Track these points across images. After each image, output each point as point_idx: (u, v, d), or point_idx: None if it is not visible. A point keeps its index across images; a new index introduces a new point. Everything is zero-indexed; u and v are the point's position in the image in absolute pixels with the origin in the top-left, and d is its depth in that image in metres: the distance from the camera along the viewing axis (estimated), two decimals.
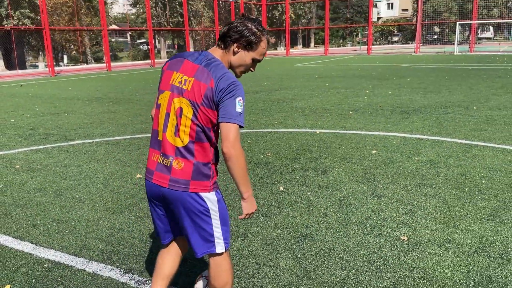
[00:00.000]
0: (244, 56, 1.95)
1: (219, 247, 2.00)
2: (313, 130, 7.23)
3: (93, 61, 41.91)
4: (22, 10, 27.69)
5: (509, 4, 50.01)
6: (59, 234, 3.57)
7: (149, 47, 64.13)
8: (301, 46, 66.75)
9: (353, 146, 6.12)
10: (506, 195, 4.13)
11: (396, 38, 70.16)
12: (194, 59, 1.93)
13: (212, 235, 1.97)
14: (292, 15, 53.11)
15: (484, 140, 6.19)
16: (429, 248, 3.15)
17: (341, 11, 70.34)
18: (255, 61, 1.99)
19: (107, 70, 26.39)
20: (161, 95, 1.96)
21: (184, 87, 1.88)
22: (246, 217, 1.99)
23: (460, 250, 3.10)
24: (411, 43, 58.76)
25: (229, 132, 1.80)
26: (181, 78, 1.90)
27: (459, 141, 6.20)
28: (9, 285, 2.73)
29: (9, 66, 30.14)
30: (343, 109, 9.26)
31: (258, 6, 47.56)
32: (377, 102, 10.00)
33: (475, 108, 8.85)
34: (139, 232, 3.58)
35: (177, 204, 1.94)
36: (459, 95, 10.76)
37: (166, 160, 1.93)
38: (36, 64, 38.59)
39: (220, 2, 42.68)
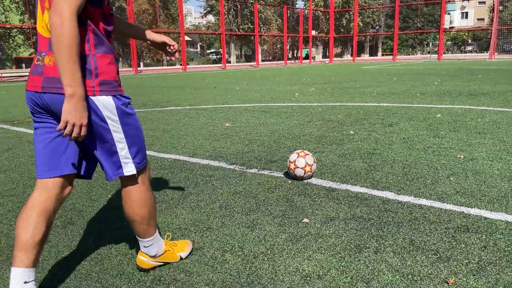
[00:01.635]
0: None
1: (127, 168, 1.67)
2: (380, 104, 7.81)
3: (167, 66, 44.73)
4: None
5: None
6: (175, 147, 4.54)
7: (218, 56, 67.13)
8: (367, 55, 66.15)
9: (419, 112, 6.63)
10: None
11: (470, 48, 67.34)
12: None
13: (116, 152, 1.63)
14: (360, 23, 53.00)
15: None
16: (481, 161, 3.70)
17: (411, 20, 68.93)
18: None
19: (182, 71, 28.29)
20: None
21: None
22: (63, 130, 1.46)
23: (510, 163, 3.63)
24: (486, 52, 56.21)
25: None
26: None
27: None
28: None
29: None
30: (410, 92, 9.69)
31: (325, 14, 48.16)
32: (445, 89, 10.30)
33: None
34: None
35: (52, 108, 1.55)
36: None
37: (39, 58, 1.55)
38: None
39: (289, 10, 43.86)
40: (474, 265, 1.96)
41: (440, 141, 4.57)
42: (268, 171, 3.59)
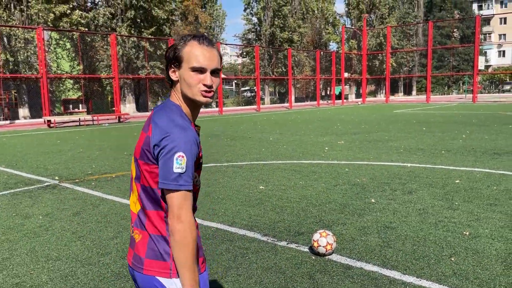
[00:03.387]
0: (183, 75, 1.56)
1: None
2: (404, 164, 8.34)
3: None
4: (153, 62, 32.58)
5: None
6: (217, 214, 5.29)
7: (252, 94, 68.93)
8: (402, 93, 66.16)
9: (439, 176, 7.14)
10: None
11: (508, 87, 66.17)
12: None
13: None
14: (393, 63, 53.53)
15: None
16: (484, 239, 4.22)
17: (446, 59, 68.89)
18: (197, 71, 1.56)
19: (219, 114, 29.59)
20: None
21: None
22: None
23: (510, 242, 4.13)
24: None
25: (171, 201, 1.49)
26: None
27: None
28: None
29: (138, 108, 35.12)
30: (436, 149, 10.15)
31: (358, 56, 49.11)
32: (470, 145, 10.68)
33: None
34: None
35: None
36: None
37: (132, 230, 1.68)
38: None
39: (322, 53, 45.13)
40: None
41: (452, 213, 5.09)
42: (296, 245, 4.25)
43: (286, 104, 40.69)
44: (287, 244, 4.29)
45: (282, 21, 44.15)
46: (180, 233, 1.48)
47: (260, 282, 3.46)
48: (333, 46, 64.52)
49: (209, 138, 14.29)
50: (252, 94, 69.26)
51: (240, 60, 71.33)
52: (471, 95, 40.12)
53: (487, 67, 65.54)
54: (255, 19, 46.56)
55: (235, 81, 76.59)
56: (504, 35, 75.64)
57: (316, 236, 3.95)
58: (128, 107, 32.82)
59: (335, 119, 21.00)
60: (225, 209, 5.59)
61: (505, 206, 5.32)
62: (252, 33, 47.98)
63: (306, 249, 4.15)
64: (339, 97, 47.00)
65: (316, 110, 30.73)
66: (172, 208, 1.49)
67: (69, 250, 4.32)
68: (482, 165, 8.03)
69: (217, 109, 32.05)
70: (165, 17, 31.89)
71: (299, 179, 7.26)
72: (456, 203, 5.52)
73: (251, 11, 46.40)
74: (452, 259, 3.78)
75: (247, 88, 77.93)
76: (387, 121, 19.25)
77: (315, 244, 3.91)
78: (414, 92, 68.00)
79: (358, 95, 56.11)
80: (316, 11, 51.27)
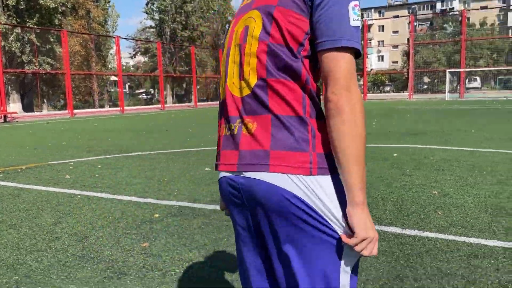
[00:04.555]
0: None
1: None
2: None
3: (98, 106, 43.64)
4: (42, 57, 29.51)
5: (494, 55, 53.22)
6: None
7: (148, 96, 66.51)
8: None
9: (376, 152, 7.33)
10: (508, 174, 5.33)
11: (387, 88, 73.17)
12: None
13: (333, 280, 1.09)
14: None
15: (479, 147, 7.46)
16: (455, 196, 4.31)
17: None
18: None
19: (121, 112, 27.85)
20: (230, 29, 1.26)
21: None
22: (358, 245, 1.05)
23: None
24: (403, 92, 61.57)
25: (337, 65, 1.04)
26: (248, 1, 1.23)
27: (466, 148, 7.46)
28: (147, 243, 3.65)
29: (24, 108, 31.55)
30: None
31: None
32: (386, 129, 11.33)
33: (472, 131, 10.20)
34: None
35: (262, 205, 1.11)
36: (453, 125, 12.17)
37: (231, 126, 1.17)
38: (39, 110, 40.11)
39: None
40: (496, 285, 2.40)
41: (411, 179, 5.17)
42: None
43: (190, 104, 39.93)
44: None
45: (184, 18, 43.26)
46: (351, 113, 1.03)
47: None
48: None
49: (123, 132, 13.26)
50: (149, 96, 66.90)
51: (132, 62, 68.49)
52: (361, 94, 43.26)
53: (370, 70, 71.73)
54: (156, 16, 44.94)
55: (128, 83, 73.32)
56: (382, 41, 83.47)
57: None
58: (13, 107, 29.27)
59: None
60: (178, 189, 5.02)
61: (452, 171, 5.58)
62: (152, 29, 46.27)
63: None
64: None
65: None
66: (338, 76, 1.04)
67: (5, 238, 3.44)
68: (408, 142, 8.48)
69: (118, 108, 30.17)
70: (54, 6, 28.97)
71: None
72: (408, 171, 5.65)
73: (152, 7, 44.72)
74: (439, 213, 3.76)
75: (142, 90, 75.03)
76: None
77: None
78: None
79: None
80: (215, 10, 51.19)
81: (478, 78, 59.67)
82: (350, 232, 1.08)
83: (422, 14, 72.79)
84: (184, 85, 53.16)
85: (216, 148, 1.36)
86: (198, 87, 57.43)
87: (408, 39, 79.41)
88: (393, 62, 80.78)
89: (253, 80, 1.13)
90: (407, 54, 72.35)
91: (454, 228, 3.36)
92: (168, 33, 43.91)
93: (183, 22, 43.72)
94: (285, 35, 1.09)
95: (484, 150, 7.13)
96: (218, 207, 4.16)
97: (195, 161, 7.02)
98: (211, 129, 13.09)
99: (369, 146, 7.98)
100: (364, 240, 1.05)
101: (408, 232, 3.30)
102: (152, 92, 70.51)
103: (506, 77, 54.58)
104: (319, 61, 1.08)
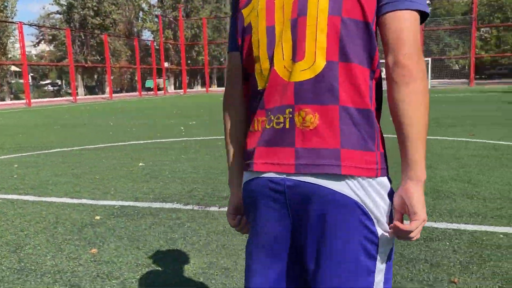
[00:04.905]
0: None
1: None
2: None
3: None
4: None
5: None
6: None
7: (55, 88, 61.81)
8: (216, 86, 69.11)
9: None
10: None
11: None
12: None
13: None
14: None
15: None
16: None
17: None
18: None
19: (27, 105, 25.52)
20: (245, 9, 1.07)
21: None
22: (410, 232, 0.95)
23: None
24: None
25: (407, 26, 0.93)
26: None
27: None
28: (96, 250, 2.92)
29: None
30: None
31: (175, 47, 49.05)
32: None
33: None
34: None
35: (320, 209, 0.96)
36: None
37: (280, 118, 0.99)
38: None
39: (140, 42, 43.52)
40: (458, 266, 2.52)
41: None
42: None
43: (104, 95, 37.85)
44: (219, 208, 3.77)
45: (96, 4, 40.67)
46: (424, 81, 0.93)
47: (223, 246, 2.91)
48: (147, 35, 63.02)
49: (36, 127, 12.15)
50: (56, 88, 62.17)
51: (35, 51, 63.21)
52: None
53: None
54: (63, 1, 41.66)
55: (32, 74, 67.65)
56: None
57: None
58: None
59: (171, 106, 20.45)
60: (115, 187, 4.67)
61: None
62: (59, 15, 42.92)
63: None
64: (150, 89, 46.28)
65: (143, 100, 29.35)
66: (409, 38, 0.93)
67: None
68: None
69: (23, 101, 27.66)
70: None
71: (180, 154, 6.64)
72: None
73: None
74: None
75: (48, 81, 69.55)
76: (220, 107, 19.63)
77: None
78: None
79: (176, 87, 56.12)
80: None
81: None
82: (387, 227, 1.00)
83: None
84: (95, 76, 50.31)
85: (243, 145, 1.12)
86: (112, 77, 54.77)
87: None
88: None
89: (321, 62, 0.95)
90: None
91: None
92: (78, 20, 41.07)
93: (95, 8, 41.15)
94: (364, 7, 0.94)
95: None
96: (165, 205, 3.92)
97: (124, 156, 6.61)
98: (133, 122, 12.49)
99: None
100: (424, 221, 0.96)
101: None
102: (60, 83, 65.80)
103: None
104: (381, 24, 0.95)
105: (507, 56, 45.13)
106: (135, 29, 53.52)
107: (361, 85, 0.96)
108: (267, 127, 1.01)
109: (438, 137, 7.40)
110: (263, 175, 1.01)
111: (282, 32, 0.99)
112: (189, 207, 3.85)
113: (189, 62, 56.64)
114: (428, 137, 6.85)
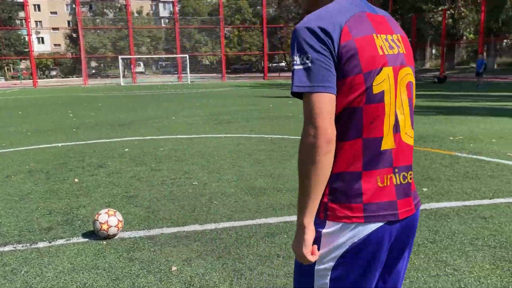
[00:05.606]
0: None
1: None
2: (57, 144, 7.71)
3: None
4: None
5: (154, 43, 58.57)
6: None
7: None
8: None
9: (100, 149, 7.18)
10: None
11: (54, 73, 69.03)
12: (369, 8, 1.30)
13: None
14: None
15: (187, 133, 8.53)
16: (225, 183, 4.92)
17: None
18: None
19: None
20: (381, 76, 1.21)
21: (400, 50, 1.28)
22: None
23: None
24: (71, 77, 59.98)
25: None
26: (387, 39, 1.26)
27: (181, 136, 8.31)
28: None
29: None
30: (51, 129, 9.84)
31: None
32: (90, 121, 11.02)
33: (173, 118, 11.32)
34: None
35: (413, 233, 1.35)
36: (152, 113, 13.12)
37: (405, 175, 1.29)
38: None
39: None
40: None
41: (162, 173, 5.45)
42: (63, 240, 3.43)
43: None
44: (66, 241, 3.39)
45: None
46: (303, 149, 1.26)
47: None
48: None
49: None
50: None
51: None
52: (29, 80, 39.42)
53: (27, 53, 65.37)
54: None
55: None
56: (40, 22, 77.35)
57: (103, 217, 3.37)
58: None
59: None
60: None
61: (183, 160, 6.21)
62: None
63: (85, 239, 3.44)
64: None
65: None
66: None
67: None
68: (121, 135, 8.65)
69: None
70: None
71: None
72: (153, 165, 5.91)
73: None
74: (215, 202, 4.25)
75: None
76: None
77: (105, 227, 3.35)
78: None
79: None
80: None
81: (142, 63, 64.70)
82: None
83: None
84: None
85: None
86: None
87: (69, 22, 76.62)
88: (55, 45, 76.40)
89: (412, 138, 1.35)
90: (69, 37, 70.11)
91: (240, 214, 3.92)
92: None
93: None
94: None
95: (207, 136, 8.17)
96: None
97: None
98: None
99: (93, 143, 7.68)
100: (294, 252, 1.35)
101: (208, 227, 3.64)
102: None
103: (165, 62, 61.41)
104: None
105: (247, 54, 52.33)
106: None
107: None
108: (398, 183, 1.30)
109: (227, 135, 8.24)
110: (382, 226, 1.27)
111: (403, 105, 1.31)
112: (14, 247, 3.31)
113: None
114: (209, 135, 7.34)
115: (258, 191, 4.59)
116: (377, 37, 1.23)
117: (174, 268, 2.90)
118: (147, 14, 71.27)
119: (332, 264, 1.24)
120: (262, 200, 4.30)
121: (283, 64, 59.17)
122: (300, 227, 1.20)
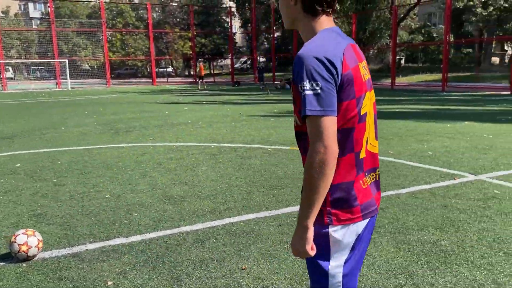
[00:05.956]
0: None
1: None
2: None
3: None
4: None
5: (25, 46, 53.31)
6: None
7: None
8: None
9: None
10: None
11: None
12: (348, 39, 1.52)
13: None
14: None
15: (84, 144, 8.15)
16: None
17: None
18: None
19: None
20: (365, 100, 1.47)
21: (368, 75, 1.54)
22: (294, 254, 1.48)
23: None
24: None
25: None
26: (364, 67, 1.52)
27: (78, 147, 7.87)
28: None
29: None
30: None
31: None
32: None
33: (63, 128, 10.59)
34: None
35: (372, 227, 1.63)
36: (35, 123, 12.09)
37: (374, 175, 1.58)
38: None
39: None
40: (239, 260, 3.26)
41: (69, 187, 5.17)
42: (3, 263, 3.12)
43: None
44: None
45: None
46: (307, 166, 1.49)
47: None
48: None
49: None
50: None
51: None
52: None
53: None
54: None
55: None
56: None
57: (21, 238, 3.15)
58: None
59: None
60: None
61: (91, 173, 5.96)
62: None
63: (1, 263, 3.17)
64: None
65: None
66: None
67: None
68: (10, 149, 7.91)
69: None
70: None
71: None
72: (65, 180, 5.56)
73: None
74: (135, 214, 4.21)
75: None
76: None
77: (24, 248, 3.14)
78: None
79: None
80: None
81: (11, 69, 58.39)
82: None
83: None
84: None
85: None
86: None
87: None
88: None
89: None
90: None
91: (164, 223, 3.95)
92: None
93: None
94: None
95: (91, 147, 7.81)
96: None
97: None
98: None
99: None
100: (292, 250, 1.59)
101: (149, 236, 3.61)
102: None
103: (39, 67, 56.28)
104: None
105: (133, 59, 50.54)
106: None
107: None
108: (372, 181, 1.58)
109: (129, 144, 8.02)
110: (372, 214, 1.59)
111: (372, 121, 1.56)
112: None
113: None
114: (108, 145, 7.12)
115: (177, 199, 4.64)
116: (360, 66, 1.47)
117: (110, 283, 2.87)
118: (15, 14, 64.65)
119: (344, 258, 1.52)
120: (183, 208, 4.37)
121: (170, 69, 58.39)
122: (304, 229, 1.42)
